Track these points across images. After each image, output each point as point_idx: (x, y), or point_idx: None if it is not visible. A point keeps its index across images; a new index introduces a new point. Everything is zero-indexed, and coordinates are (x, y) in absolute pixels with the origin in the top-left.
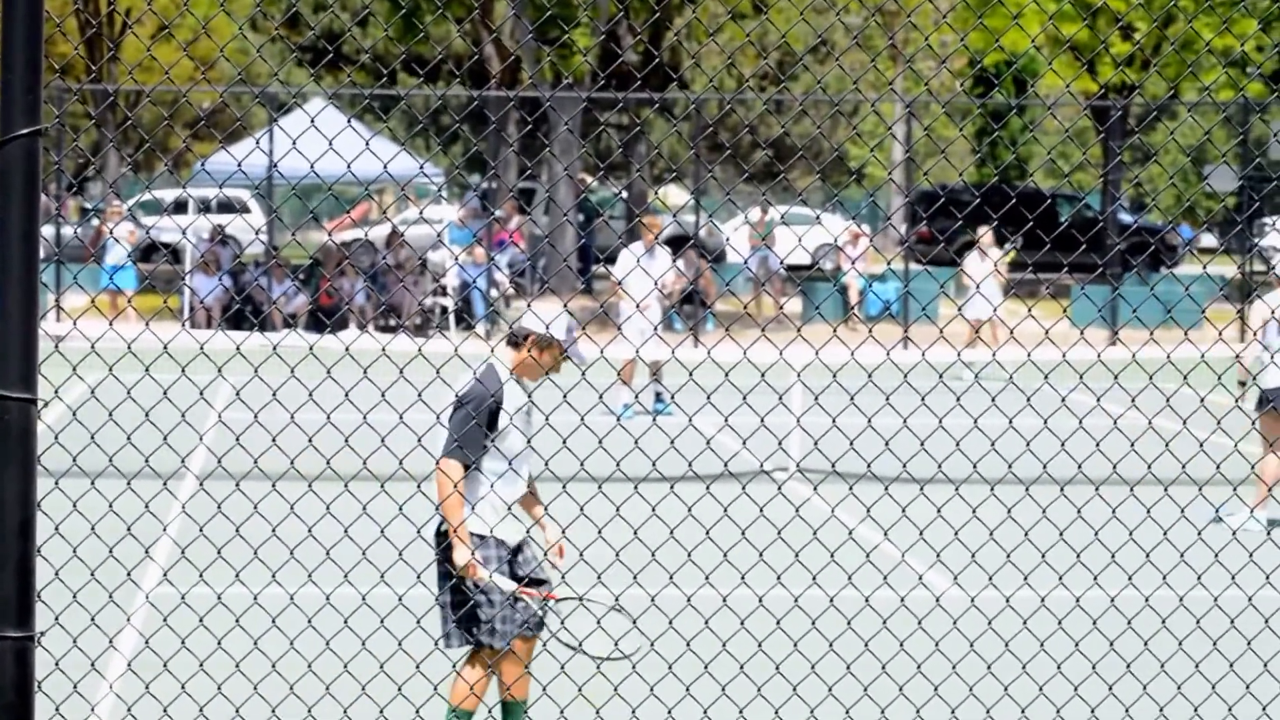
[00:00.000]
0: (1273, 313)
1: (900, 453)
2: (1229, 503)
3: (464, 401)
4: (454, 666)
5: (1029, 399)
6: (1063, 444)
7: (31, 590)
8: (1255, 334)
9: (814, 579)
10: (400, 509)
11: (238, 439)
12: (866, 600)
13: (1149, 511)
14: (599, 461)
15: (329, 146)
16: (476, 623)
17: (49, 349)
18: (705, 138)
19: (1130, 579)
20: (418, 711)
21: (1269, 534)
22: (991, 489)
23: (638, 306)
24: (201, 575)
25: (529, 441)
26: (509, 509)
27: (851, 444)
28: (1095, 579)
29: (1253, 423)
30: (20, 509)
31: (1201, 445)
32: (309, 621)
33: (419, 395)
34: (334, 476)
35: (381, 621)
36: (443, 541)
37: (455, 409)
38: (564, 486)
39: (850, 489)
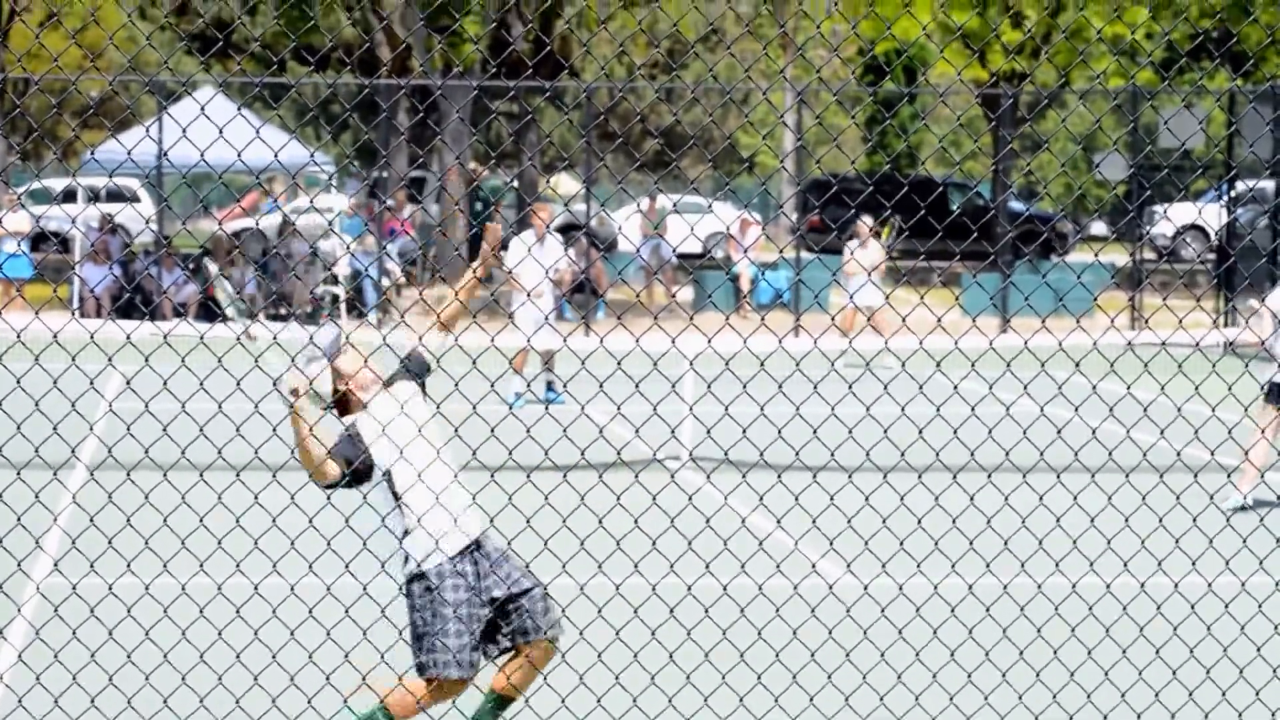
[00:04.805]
0: None
1: (792, 441)
2: (1224, 490)
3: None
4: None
5: (921, 387)
6: (955, 431)
7: None
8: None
9: (707, 567)
10: (292, 498)
11: (128, 428)
12: (760, 588)
13: (1041, 499)
14: (491, 450)
15: (219, 135)
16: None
17: None
18: (596, 126)
19: (1023, 565)
20: (309, 701)
21: (1261, 516)
22: (884, 476)
23: (529, 295)
24: (92, 565)
25: (440, 446)
26: (454, 521)
27: (744, 432)
28: (988, 566)
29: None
30: None
31: (1094, 432)
32: (200, 611)
33: (310, 384)
34: (225, 466)
35: (274, 611)
36: (416, 581)
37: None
38: (455, 475)
39: (743, 477)
